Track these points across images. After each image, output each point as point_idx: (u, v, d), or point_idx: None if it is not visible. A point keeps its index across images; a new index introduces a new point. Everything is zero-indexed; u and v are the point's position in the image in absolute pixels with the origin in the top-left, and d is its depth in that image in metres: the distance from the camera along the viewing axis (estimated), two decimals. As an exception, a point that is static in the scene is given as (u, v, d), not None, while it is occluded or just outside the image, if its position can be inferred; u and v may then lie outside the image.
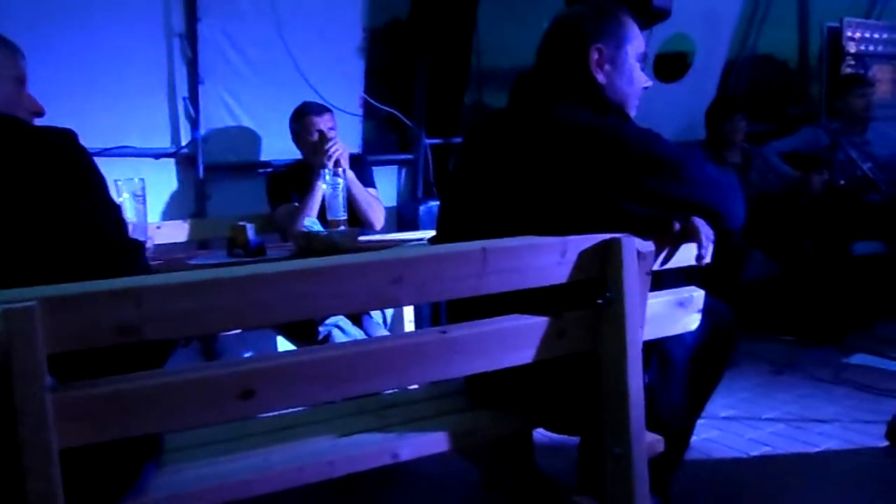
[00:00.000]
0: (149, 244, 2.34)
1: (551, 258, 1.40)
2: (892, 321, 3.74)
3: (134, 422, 1.13)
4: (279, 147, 3.26)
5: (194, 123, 3.28)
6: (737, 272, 3.92)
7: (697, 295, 1.63)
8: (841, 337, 3.63)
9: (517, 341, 1.41)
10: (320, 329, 2.67)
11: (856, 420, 2.63)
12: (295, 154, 3.13)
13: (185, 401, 1.15)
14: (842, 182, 3.72)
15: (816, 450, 2.42)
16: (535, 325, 1.42)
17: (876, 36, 4.54)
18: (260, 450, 1.45)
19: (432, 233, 1.85)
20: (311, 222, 2.54)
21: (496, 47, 4.04)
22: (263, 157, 3.44)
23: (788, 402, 2.90)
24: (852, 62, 4.40)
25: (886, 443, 2.33)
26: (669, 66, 4.42)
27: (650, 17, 2.77)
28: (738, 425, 2.67)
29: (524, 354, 1.41)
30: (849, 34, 4.39)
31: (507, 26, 4.05)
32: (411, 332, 2.30)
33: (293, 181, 2.99)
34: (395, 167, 3.90)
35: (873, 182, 3.64)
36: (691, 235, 1.52)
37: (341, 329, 2.71)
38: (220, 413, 1.20)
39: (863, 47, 4.46)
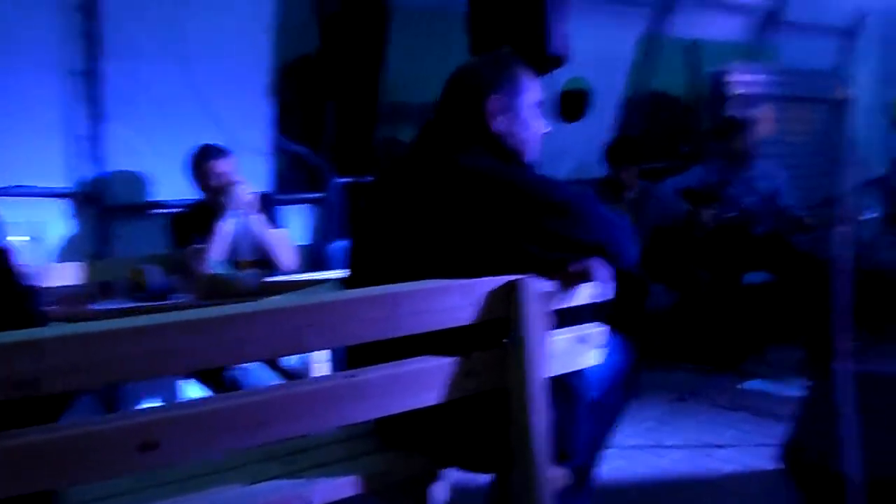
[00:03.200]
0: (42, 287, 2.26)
1: (459, 300, 1.44)
2: (781, 347, 3.96)
3: (27, 479, 1.09)
4: (185, 187, 3.21)
5: (96, 162, 3.19)
6: (640, 304, 4.07)
7: (598, 331, 1.71)
8: (738, 363, 3.81)
9: (425, 383, 1.44)
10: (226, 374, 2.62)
11: (753, 444, 2.77)
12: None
13: (82, 455, 1.12)
14: (730, 216, 3.94)
15: (717, 475, 2.53)
16: (443, 366, 1.45)
17: (758, 79, 4.87)
18: (165, 501, 1.41)
19: (342, 273, 1.87)
20: (217, 265, 2.51)
21: (407, 83, 4.11)
22: (169, 197, 3.37)
23: (691, 428, 3.02)
24: (736, 104, 4.70)
25: (780, 465, 2.45)
26: (572, 103, 4.60)
27: (546, 64, 2.89)
28: (644, 454, 2.76)
29: (433, 395, 1.44)
30: (733, 77, 4.69)
31: (417, 62, 4.13)
32: (319, 377, 2.29)
33: (196, 223, 2.94)
34: (306, 206, 3.89)
35: (756, 215, 3.88)
36: (590, 274, 1.59)
37: (251, 372, 2.66)
38: (121, 467, 1.18)
39: (746, 90, 4.77)
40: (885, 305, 4.12)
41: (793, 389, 3.23)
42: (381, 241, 1.69)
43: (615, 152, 4.28)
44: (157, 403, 3.31)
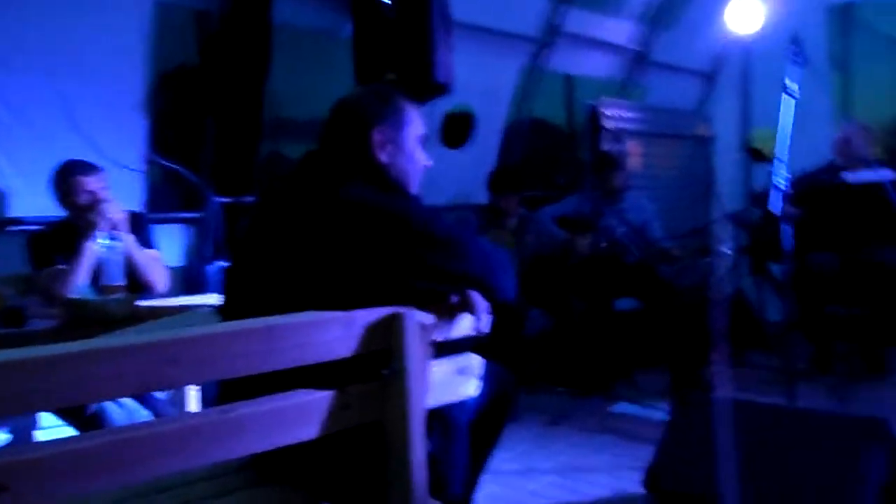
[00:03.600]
0: None
1: (337, 333, 1.42)
2: (647, 371, 4.16)
3: None
4: (47, 203, 3.02)
5: (-54, 174, 2.96)
6: (517, 330, 4.17)
7: (476, 362, 1.73)
8: (606, 387, 3.96)
9: (302, 417, 1.41)
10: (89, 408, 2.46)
11: (620, 467, 2.88)
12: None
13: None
14: (603, 245, 4.12)
15: (586, 499, 2.62)
16: (319, 400, 1.42)
17: (628, 115, 5.14)
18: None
19: (217, 297, 1.82)
20: (82, 288, 2.37)
21: (292, 97, 4.06)
22: (29, 214, 3.15)
23: (562, 452, 3.11)
24: (609, 138, 4.93)
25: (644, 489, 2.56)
26: (456, 129, 4.67)
27: (431, 91, 2.94)
28: (518, 478, 2.82)
29: (309, 430, 1.41)
30: (606, 112, 4.93)
31: (302, 76, 4.09)
32: (191, 413, 2.20)
33: (58, 243, 2.75)
34: (181, 226, 3.74)
35: (627, 245, 4.08)
36: (468, 307, 1.61)
37: (117, 403, 2.52)
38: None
39: (617, 124, 5.02)
40: (740, 334, 4.43)
41: (658, 412, 3.39)
42: (260, 269, 1.65)
43: (497, 181, 4.38)
44: (6, 435, 3.07)
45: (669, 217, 5.04)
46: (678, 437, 2.34)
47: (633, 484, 2.61)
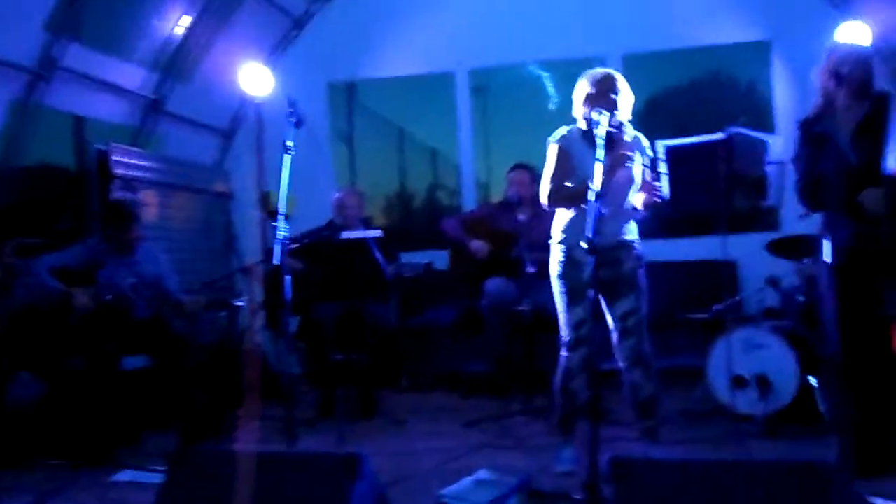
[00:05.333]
0: None
1: None
2: (156, 433, 3.93)
3: None
4: None
5: None
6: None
7: None
8: (110, 455, 3.63)
9: None
10: None
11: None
12: None
13: None
14: (107, 299, 3.84)
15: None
16: None
17: (141, 163, 4.94)
18: None
19: None
20: None
21: None
22: None
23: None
24: (121, 185, 4.66)
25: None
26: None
27: None
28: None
29: None
30: (116, 158, 4.67)
31: None
32: None
33: None
34: None
35: (136, 299, 3.88)
36: None
37: None
38: None
39: (130, 172, 4.78)
40: (256, 388, 4.50)
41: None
42: None
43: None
44: None
45: (188, 270, 4.97)
46: (171, 497, 2.22)
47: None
